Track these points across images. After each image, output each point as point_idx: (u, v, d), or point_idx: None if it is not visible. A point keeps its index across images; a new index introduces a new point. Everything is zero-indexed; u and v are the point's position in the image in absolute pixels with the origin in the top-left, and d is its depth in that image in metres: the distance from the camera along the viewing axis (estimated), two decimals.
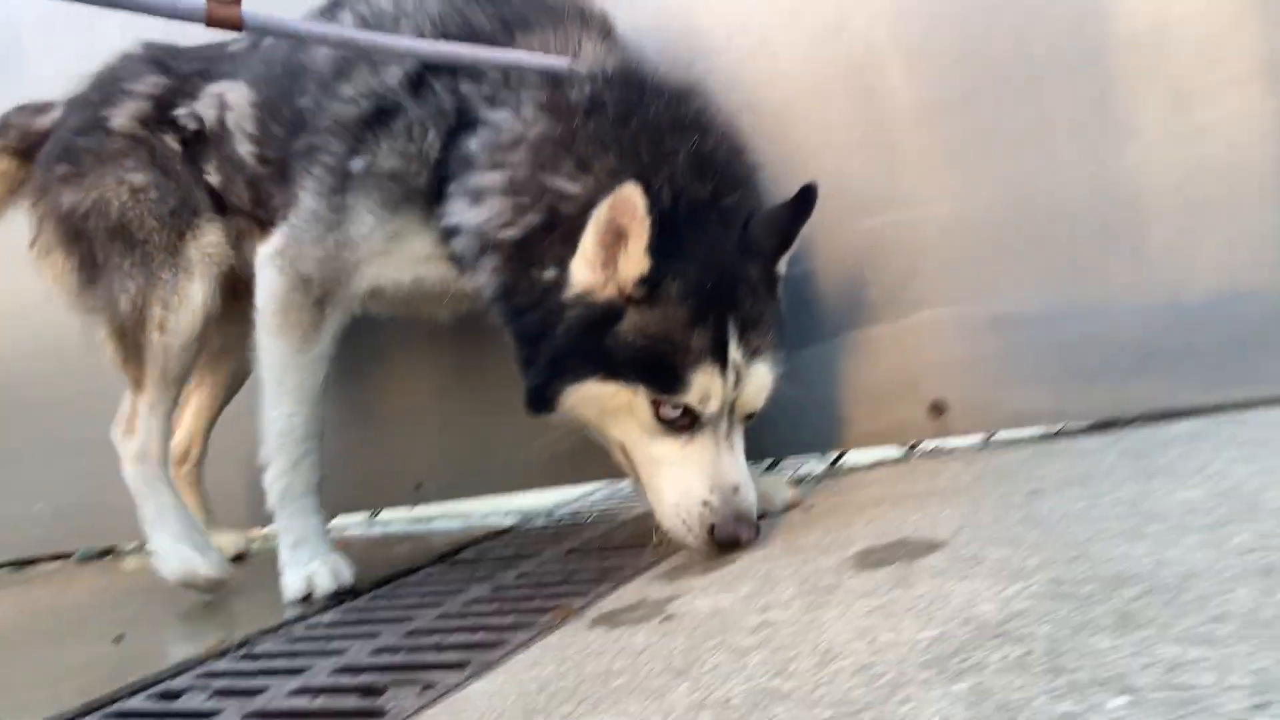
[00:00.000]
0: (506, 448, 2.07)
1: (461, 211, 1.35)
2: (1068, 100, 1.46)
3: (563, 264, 1.23)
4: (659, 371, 1.20)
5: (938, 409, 1.59)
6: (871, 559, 0.99)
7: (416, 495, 2.21)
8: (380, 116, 1.45)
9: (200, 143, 1.75)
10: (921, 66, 1.55)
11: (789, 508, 1.41)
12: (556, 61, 1.37)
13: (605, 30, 1.49)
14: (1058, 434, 1.51)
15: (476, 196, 1.33)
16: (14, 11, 2.51)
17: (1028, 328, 1.51)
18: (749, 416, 1.29)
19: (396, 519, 2.45)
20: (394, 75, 1.45)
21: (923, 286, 1.58)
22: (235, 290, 1.80)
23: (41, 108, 1.91)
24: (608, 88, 1.31)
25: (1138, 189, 1.42)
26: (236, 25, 1.16)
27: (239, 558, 2.06)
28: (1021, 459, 1.37)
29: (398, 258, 1.51)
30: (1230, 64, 1.35)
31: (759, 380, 1.25)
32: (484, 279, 1.34)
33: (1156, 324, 1.41)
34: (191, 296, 1.72)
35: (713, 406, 1.21)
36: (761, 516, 1.29)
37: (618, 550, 1.48)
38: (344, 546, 1.72)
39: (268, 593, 1.59)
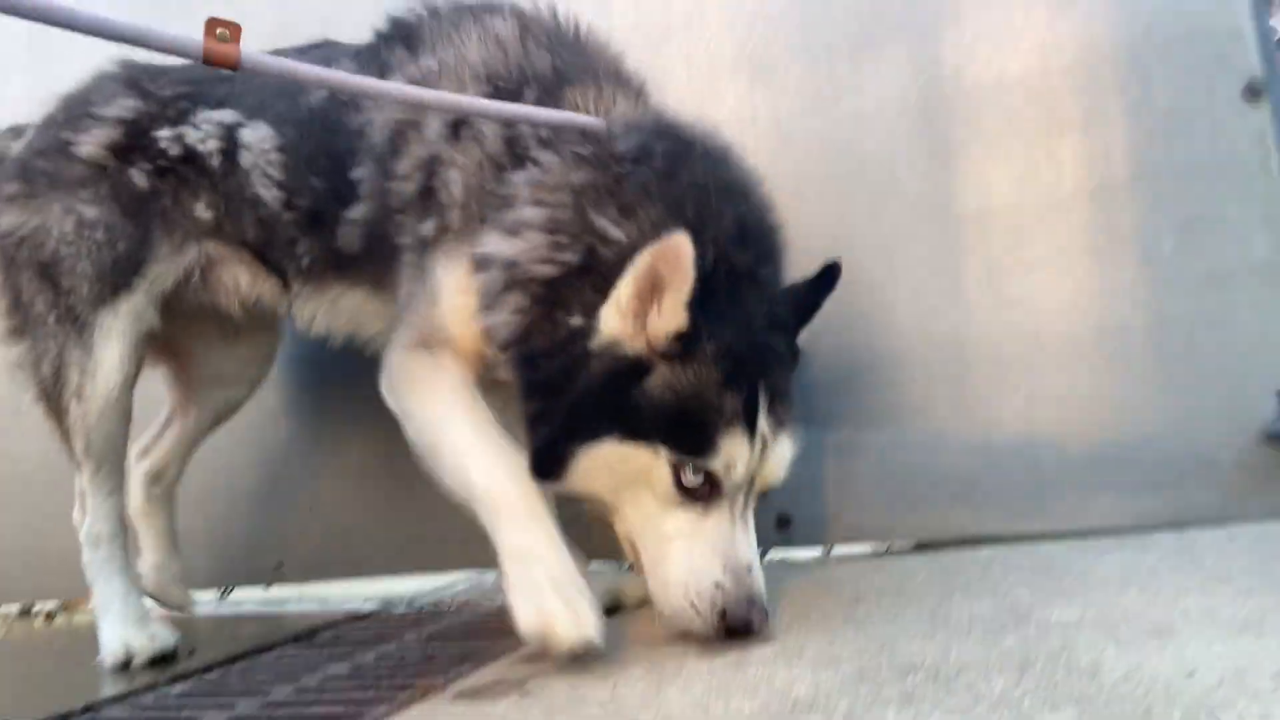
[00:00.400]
0: (372, 531, 2.11)
1: (496, 243, 1.26)
2: (912, 265, 1.70)
3: (592, 311, 1.16)
4: (686, 432, 1.13)
5: (784, 522, 1.76)
6: (713, 648, 1.11)
7: (275, 575, 2.20)
8: (433, 172, 1.39)
9: (182, 174, 1.63)
10: None
11: (640, 604, 1.45)
12: (591, 120, 1.32)
13: (640, 90, 1.45)
14: (886, 552, 1.70)
15: (514, 230, 1.25)
16: None
17: (865, 455, 1.71)
18: (763, 495, 1.24)
19: (249, 599, 2.40)
20: (434, 130, 1.40)
21: None
22: (230, 324, 1.79)
23: (18, 132, 1.80)
24: (656, 139, 1.27)
25: (960, 345, 1.66)
26: (233, 65, 1.10)
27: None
28: (852, 571, 1.54)
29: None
30: (1036, 249, 1.63)
31: (783, 452, 1.20)
32: (502, 319, 1.24)
33: (970, 461, 1.63)
34: (107, 362, 1.61)
35: (738, 474, 1.15)
36: (615, 611, 1.38)
37: (480, 636, 1.54)
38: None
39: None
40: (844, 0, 1.77)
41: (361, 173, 1.48)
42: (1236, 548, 1.30)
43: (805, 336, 1.71)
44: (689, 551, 1.15)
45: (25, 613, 2.53)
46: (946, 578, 1.35)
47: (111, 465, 1.68)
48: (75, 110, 1.69)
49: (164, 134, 1.62)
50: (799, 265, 1.30)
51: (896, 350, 1.71)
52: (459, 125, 1.37)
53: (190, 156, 1.62)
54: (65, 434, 1.64)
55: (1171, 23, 1.56)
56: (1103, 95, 1.59)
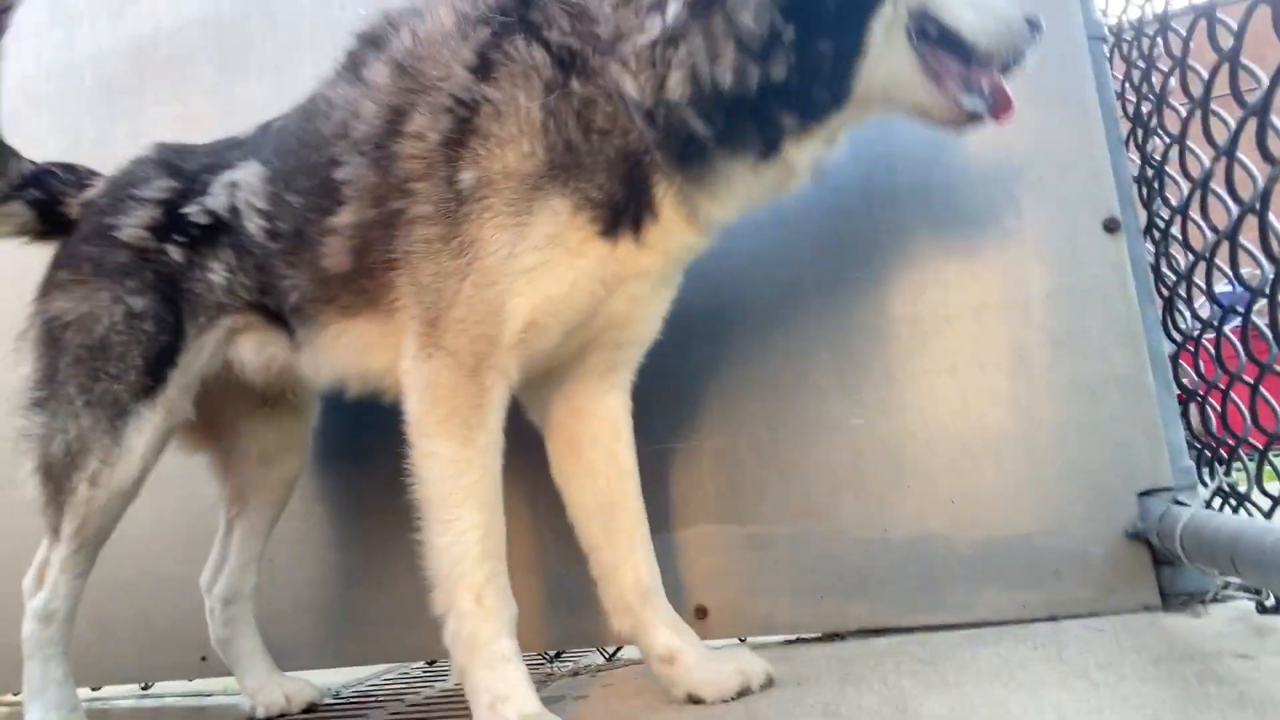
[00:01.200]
0: (297, 623, 2.14)
1: (640, 50, 1.31)
2: (817, 372, 1.84)
3: None
4: None
5: (701, 613, 1.85)
6: None
7: (201, 667, 2.19)
8: (469, 114, 1.36)
9: (206, 241, 1.67)
10: None
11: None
12: None
13: None
14: (795, 641, 1.80)
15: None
16: None
17: (776, 549, 1.82)
18: None
19: (171, 692, 2.39)
20: (464, 59, 1.40)
21: (698, 505, 1.88)
22: (265, 397, 1.80)
23: (84, 180, 1.86)
24: None
25: (860, 447, 1.79)
26: None
27: (310, 709, 1.91)
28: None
29: (551, 262, 1.35)
30: (927, 359, 1.79)
31: None
32: (676, 76, 1.28)
33: (870, 556, 1.75)
34: (135, 452, 1.64)
35: None
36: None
37: None
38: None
39: None
40: None
41: (346, 171, 1.47)
42: (1100, 640, 1.43)
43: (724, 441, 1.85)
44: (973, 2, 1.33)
45: None
46: (844, 668, 1.46)
47: (93, 549, 1.69)
48: (117, 194, 1.75)
49: (193, 208, 1.68)
50: None
51: (804, 449, 1.83)
52: (489, 65, 1.37)
53: (212, 222, 1.67)
54: (58, 510, 1.65)
55: (1043, 161, 1.75)
56: (982, 225, 1.77)
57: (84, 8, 2.60)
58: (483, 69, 1.40)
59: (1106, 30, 1.83)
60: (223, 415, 1.89)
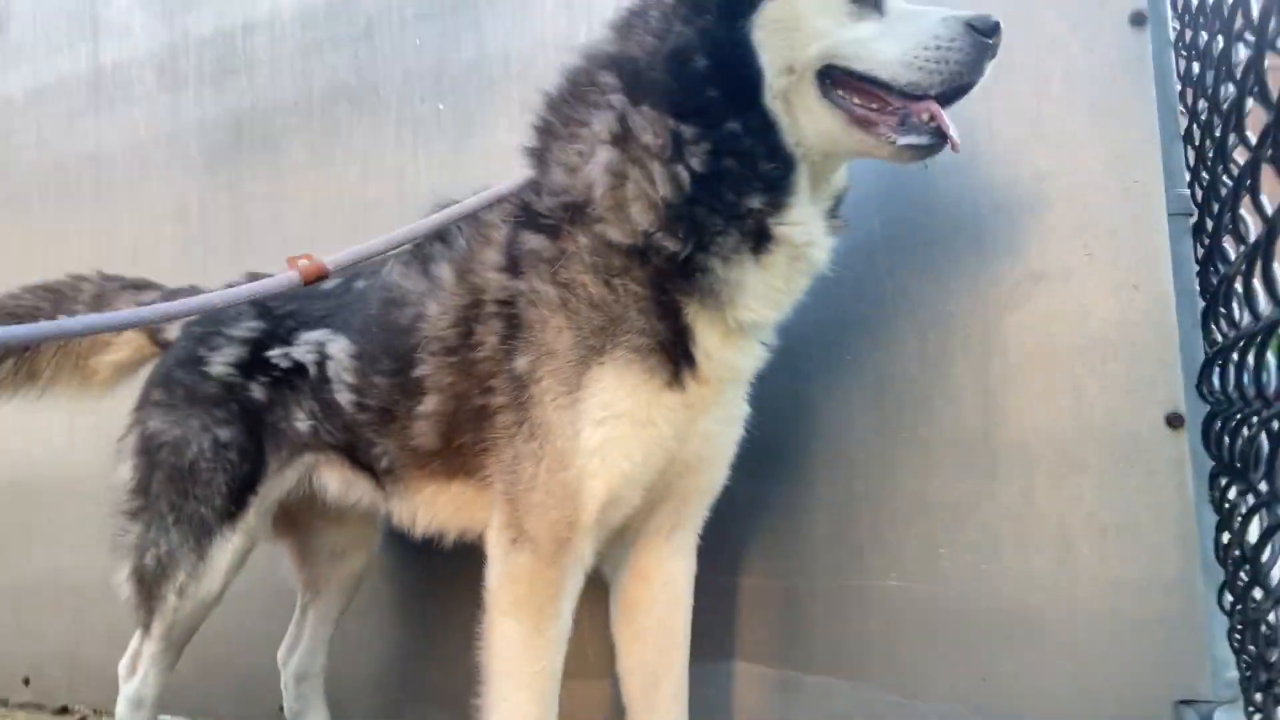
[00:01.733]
0: (363, 691, 2.31)
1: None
2: (856, 529, 1.84)
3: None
4: None
5: None
6: None
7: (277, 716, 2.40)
8: (511, 310, 1.48)
9: (289, 385, 1.78)
10: None
11: None
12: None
13: None
14: None
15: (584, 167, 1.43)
16: None
17: (803, 694, 1.86)
18: None
19: None
20: (496, 263, 1.52)
21: (733, 640, 1.92)
22: (321, 504, 1.89)
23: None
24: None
25: (895, 609, 1.80)
26: (325, 273, 1.38)
27: None
28: None
29: (618, 437, 1.40)
30: (973, 532, 1.76)
31: None
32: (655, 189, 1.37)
33: (896, 719, 1.78)
34: (218, 568, 1.78)
35: None
36: None
37: None
38: None
39: None
40: None
41: (424, 369, 1.57)
42: None
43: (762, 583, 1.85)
44: (897, 33, 1.34)
45: (63, 710, 2.79)
46: None
47: (179, 647, 1.87)
48: (209, 325, 1.88)
49: (276, 352, 1.80)
50: None
51: (839, 605, 1.85)
52: (515, 261, 1.48)
53: (295, 369, 1.78)
54: (149, 613, 1.81)
55: (1110, 342, 1.69)
56: (1038, 405, 1.72)
57: (190, 74, 2.73)
58: (511, 266, 1.50)
59: None
60: (300, 513, 2.03)
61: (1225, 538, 1.47)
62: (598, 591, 1.65)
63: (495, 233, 1.54)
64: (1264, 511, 1.24)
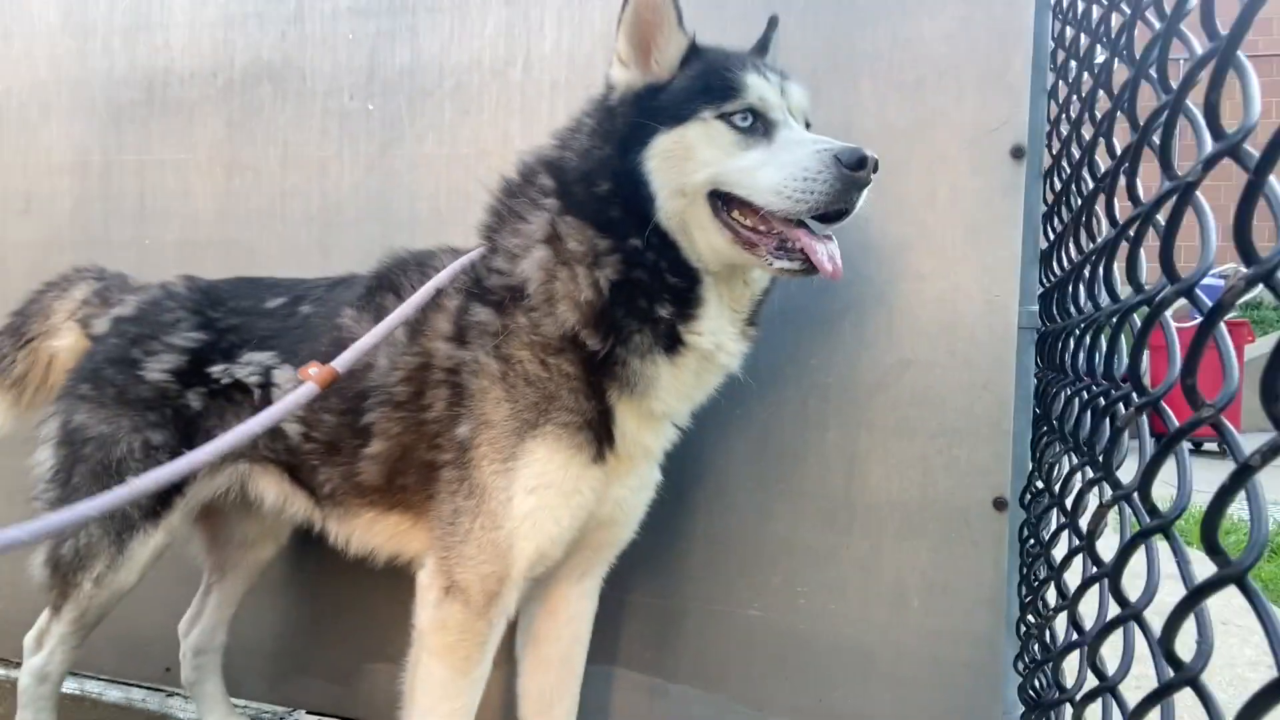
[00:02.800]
0: (252, 660, 2.43)
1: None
2: (725, 561, 2.09)
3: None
4: (718, 90, 1.47)
5: None
6: None
7: (165, 676, 2.50)
8: (456, 378, 1.58)
9: (228, 397, 1.81)
10: None
11: None
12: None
13: None
14: None
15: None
16: None
17: (668, 700, 2.12)
18: (806, 124, 1.56)
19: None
20: (444, 331, 1.63)
21: (611, 647, 2.16)
22: (244, 499, 1.94)
23: (117, 294, 2.00)
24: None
25: (753, 634, 2.07)
26: (336, 377, 1.49)
27: None
28: None
29: (548, 505, 1.53)
30: (828, 575, 2.04)
31: (798, 86, 1.56)
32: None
33: None
34: (136, 562, 1.84)
35: (772, 100, 1.49)
36: None
37: None
38: None
39: None
40: None
41: (372, 416, 1.66)
42: None
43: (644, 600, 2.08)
44: (778, 161, 1.43)
45: None
46: None
47: (90, 629, 1.92)
48: (145, 327, 1.89)
49: (217, 368, 1.83)
50: None
51: (704, 624, 2.11)
52: (463, 331, 1.60)
53: (236, 385, 1.82)
54: (62, 597, 1.86)
55: (952, 434, 1.96)
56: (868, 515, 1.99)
57: (99, 23, 2.61)
58: (459, 336, 1.61)
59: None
60: (215, 503, 2.07)
61: (1025, 617, 1.79)
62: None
63: (448, 301, 1.65)
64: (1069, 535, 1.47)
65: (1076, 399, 1.45)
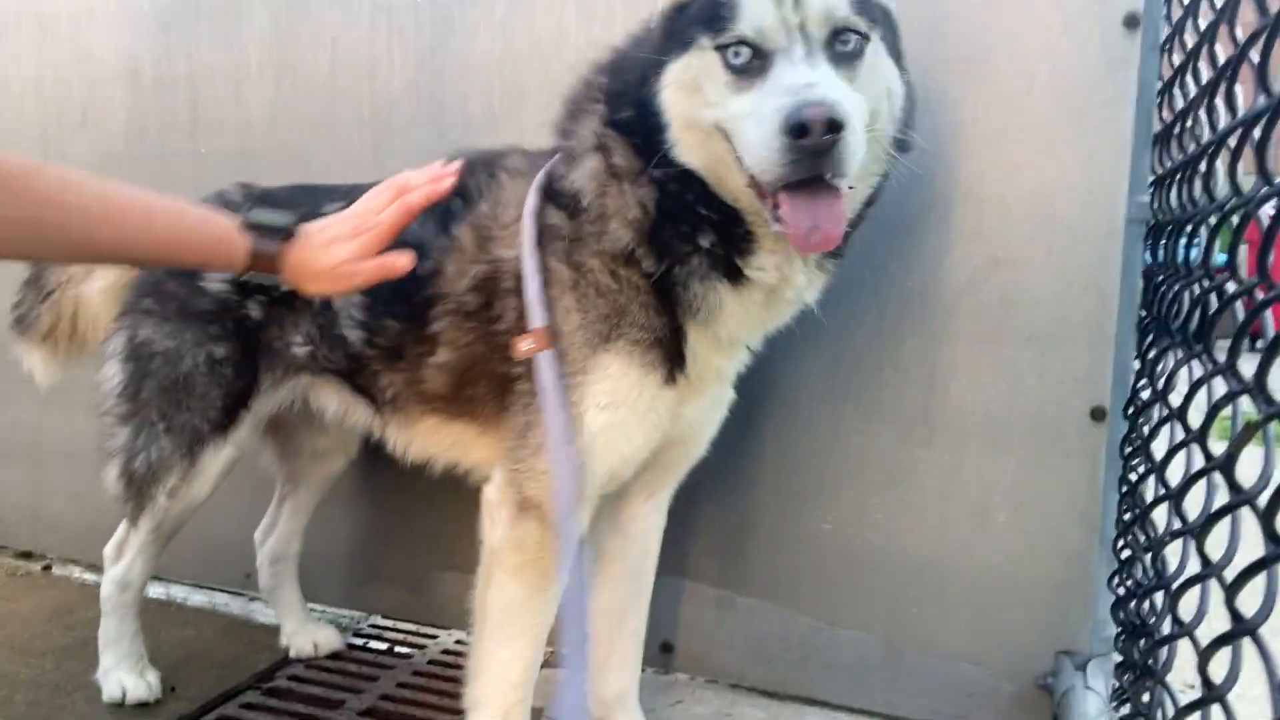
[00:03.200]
0: (327, 567, 2.48)
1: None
2: (798, 479, 2.01)
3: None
4: (710, 12, 1.26)
5: (666, 648, 2.15)
6: None
7: (246, 582, 2.57)
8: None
9: (288, 305, 1.77)
10: None
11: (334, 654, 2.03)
12: None
13: None
14: (739, 687, 2.10)
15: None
16: None
17: (738, 613, 2.08)
18: (837, 35, 1.25)
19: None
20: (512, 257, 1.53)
21: (679, 560, 2.11)
22: (309, 412, 1.93)
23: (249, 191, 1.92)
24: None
25: (825, 549, 2.00)
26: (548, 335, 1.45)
27: (335, 656, 2.24)
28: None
29: (620, 423, 1.46)
30: (903, 489, 1.94)
31: None
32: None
33: (816, 640, 2.01)
34: (208, 475, 1.85)
35: (772, 28, 1.22)
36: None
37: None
38: None
39: None
40: None
41: (440, 325, 1.61)
42: None
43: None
44: (752, 113, 1.21)
45: (26, 555, 2.92)
46: None
47: (167, 539, 1.95)
48: None
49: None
50: None
51: (777, 541, 2.04)
52: (536, 235, 1.48)
53: (295, 293, 1.77)
54: (138, 510, 1.89)
55: (1045, 338, 1.81)
56: (970, 379, 1.85)
57: None
58: (540, 238, 1.50)
59: None
60: (285, 416, 2.06)
61: (1126, 533, 1.66)
62: None
63: (520, 202, 1.54)
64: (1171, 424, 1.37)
65: (1186, 293, 1.30)
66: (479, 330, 1.58)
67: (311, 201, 1.85)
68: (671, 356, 1.47)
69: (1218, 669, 1.00)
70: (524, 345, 1.43)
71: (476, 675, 1.54)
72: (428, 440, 1.76)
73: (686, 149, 1.34)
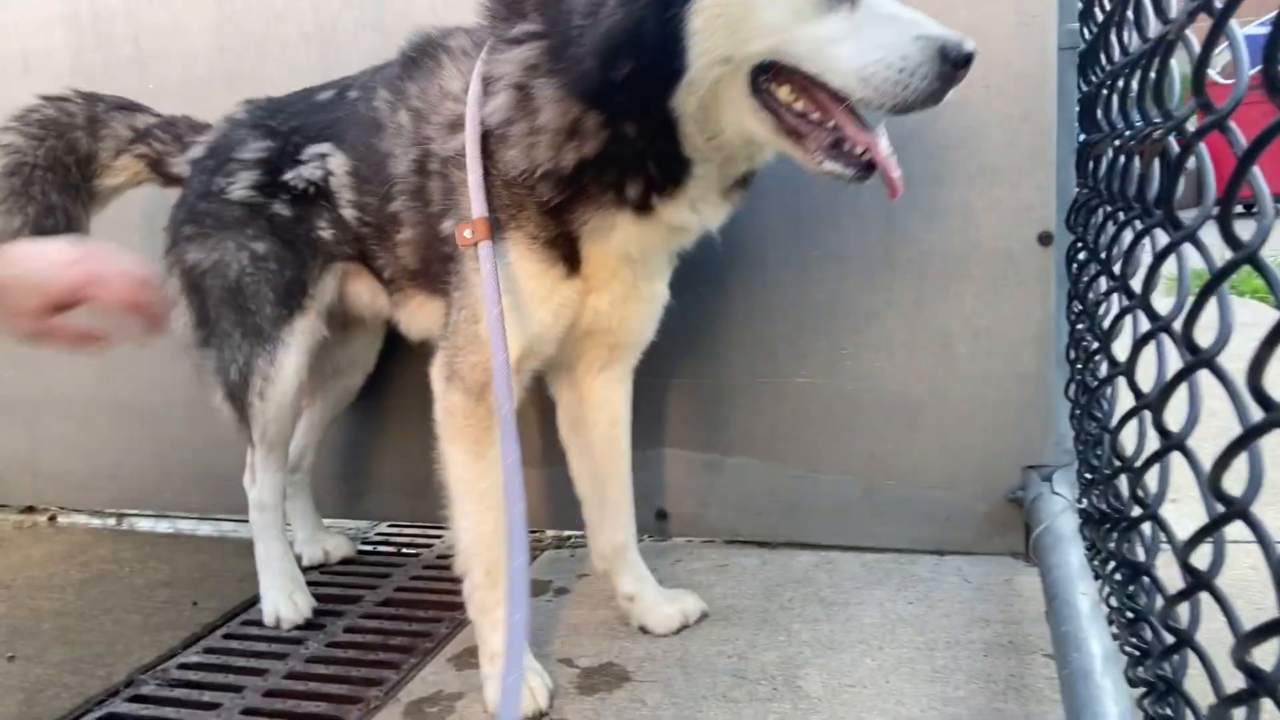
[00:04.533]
0: (332, 481, 2.56)
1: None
2: (772, 334, 2.09)
3: None
4: None
5: (661, 515, 2.26)
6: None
7: None
8: (450, 171, 1.54)
9: (310, 201, 1.86)
10: None
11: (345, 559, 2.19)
12: None
13: None
14: (735, 542, 2.23)
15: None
16: None
17: (725, 473, 2.19)
18: None
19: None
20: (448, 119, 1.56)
21: (665, 430, 2.22)
22: (345, 322, 2.06)
23: (187, 134, 2.04)
24: None
25: (803, 401, 2.10)
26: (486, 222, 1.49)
27: (346, 561, 2.35)
28: (706, 563, 2.07)
29: (526, 305, 1.51)
30: (871, 336, 2.03)
31: None
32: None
33: (800, 488, 2.13)
34: (287, 369, 1.91)
35: None
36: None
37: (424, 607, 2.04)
38: None
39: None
40: None
41: (397, 204, 1.68)
42: (960, 602, 1.84)
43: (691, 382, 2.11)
44: (864, 39, 1.20)
45: (29, 510, 2.98)
46: (765, 598, 1.89)
47: (281, 449, 2.04)
48: (220, 157, 1.94)
49: (289, 175, 1.87)
50: None
51: (755, 397, 2.14)
52: (457, 121, 1.51)
53: (311, 186, 1.85)
54: (246, 423, 1.97)
55: (994, 172, 1.89)
56: (932, 221, 1.94)
57: None
58: (453, 125, 1.56)
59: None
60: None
61: (1073, 341, 1.77)
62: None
63: (452, 85, 1.59)
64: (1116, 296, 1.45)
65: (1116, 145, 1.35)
66: (421, 210, 1.65)
67: (308, 95, 1.96)
68: (567, 256, 1.53)
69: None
70: (465, 234, 1.48)
71: (457, 546, 1.62)
72: (419, 317, 1.84)
73: (696, 88, 1.29)
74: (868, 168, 1.30)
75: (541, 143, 1.41)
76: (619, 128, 1.36)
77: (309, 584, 2.18)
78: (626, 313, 1.68)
